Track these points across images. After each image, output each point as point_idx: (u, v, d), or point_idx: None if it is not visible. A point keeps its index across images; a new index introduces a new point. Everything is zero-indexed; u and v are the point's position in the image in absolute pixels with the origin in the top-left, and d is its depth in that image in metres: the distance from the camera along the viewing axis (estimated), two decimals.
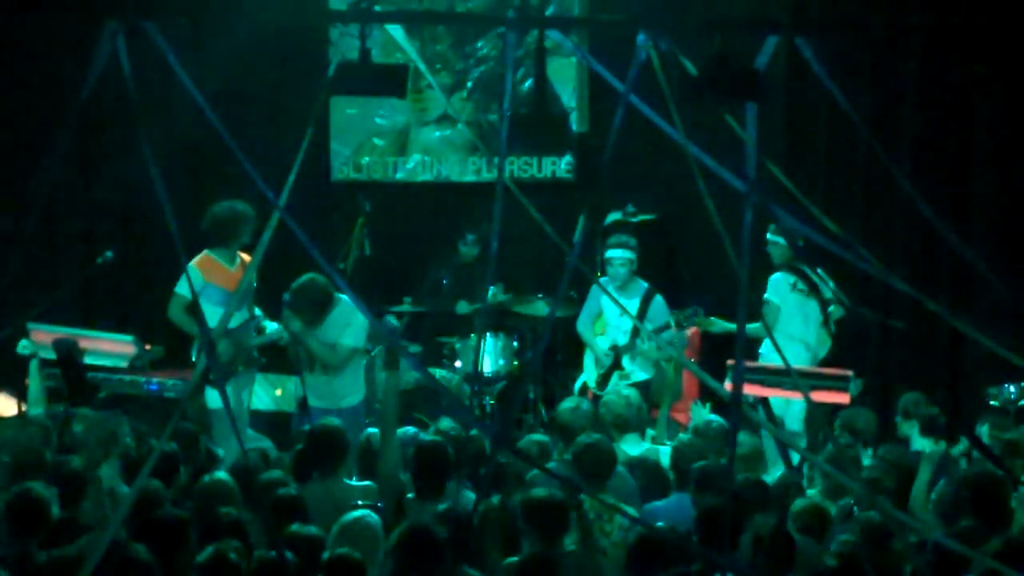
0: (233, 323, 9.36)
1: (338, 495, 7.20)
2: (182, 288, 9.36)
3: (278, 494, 6.90)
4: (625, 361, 10.26)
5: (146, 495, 6.62)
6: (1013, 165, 10.76)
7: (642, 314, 10.22)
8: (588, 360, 10.55)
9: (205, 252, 9.55)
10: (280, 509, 6.70)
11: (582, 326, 10.59)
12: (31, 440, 7.51)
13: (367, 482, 7.53)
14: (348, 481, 7.54)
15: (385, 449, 7.42)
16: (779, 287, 10.15)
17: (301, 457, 7.69)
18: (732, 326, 9.71)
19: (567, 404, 8.69)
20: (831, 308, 10.22)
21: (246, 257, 9.56)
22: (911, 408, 8.47)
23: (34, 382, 8.69)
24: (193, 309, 9.15)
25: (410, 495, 7.19)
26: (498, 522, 6.62)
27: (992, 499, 6.91)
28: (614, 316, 10.33)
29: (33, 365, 8.77)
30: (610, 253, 10.44)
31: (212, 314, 9.38)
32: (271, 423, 10.25)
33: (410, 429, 8.33)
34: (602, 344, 10.40)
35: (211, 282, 9.43)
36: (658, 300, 10.33)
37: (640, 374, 10.34)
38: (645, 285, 10.41)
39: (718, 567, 6.06)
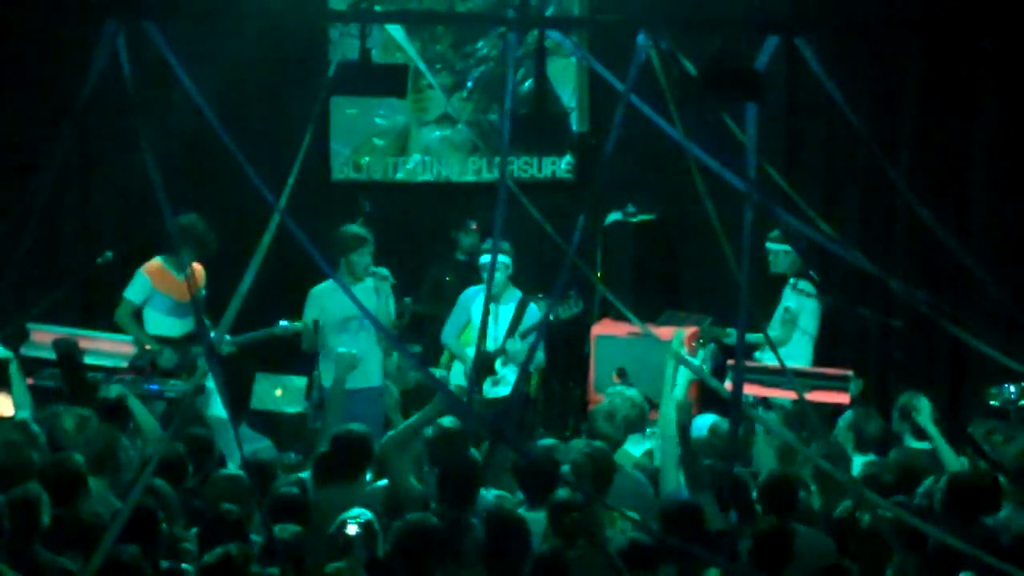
0: (176, 332, 9.56)
1: (357, 500, 7.16)
2: (130, 293, 9.59)
3: (278, 493, 6.91)
4: (497, 365, 10.17)
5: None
6: (1013, 165, 10.76)
7: (516, 321, 10.13)
8: (457, 371, 10.46)
9: (157, 259, 9.65)
10: (279, 509, 6.70)
11: (448, 337, 10.44)
12: (15, 443, 7.46)
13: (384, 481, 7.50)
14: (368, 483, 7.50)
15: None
16: (800, 295, 10.17)
17: (322, 461, 7.63)
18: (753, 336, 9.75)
19: (602, 408, 8.68)
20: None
21: (197, 267, 9.66)
22: (909, 408, 8.48)
23: (17, 385, 8.50)
24: (138, 315, 9.39)
25: (433, 504, 7.15)
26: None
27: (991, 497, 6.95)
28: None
29: (13, 368, 8.58)
30: (486, 259, 10.15)
31: (157, 321, 9.54)
32: (271, 423, 10.25)
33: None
34: (471, 354, 10.22)
35: (159, 290, 9.60)
36: (532, 308, 10.23)
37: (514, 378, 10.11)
38: (519, 293, 10.28)
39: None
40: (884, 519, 6.21)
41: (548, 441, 8.26)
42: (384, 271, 9.83)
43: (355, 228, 9.90)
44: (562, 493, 6.75)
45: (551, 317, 9.94)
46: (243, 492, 6.85)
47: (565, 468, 7.34)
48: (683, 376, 7.99)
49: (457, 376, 10.39)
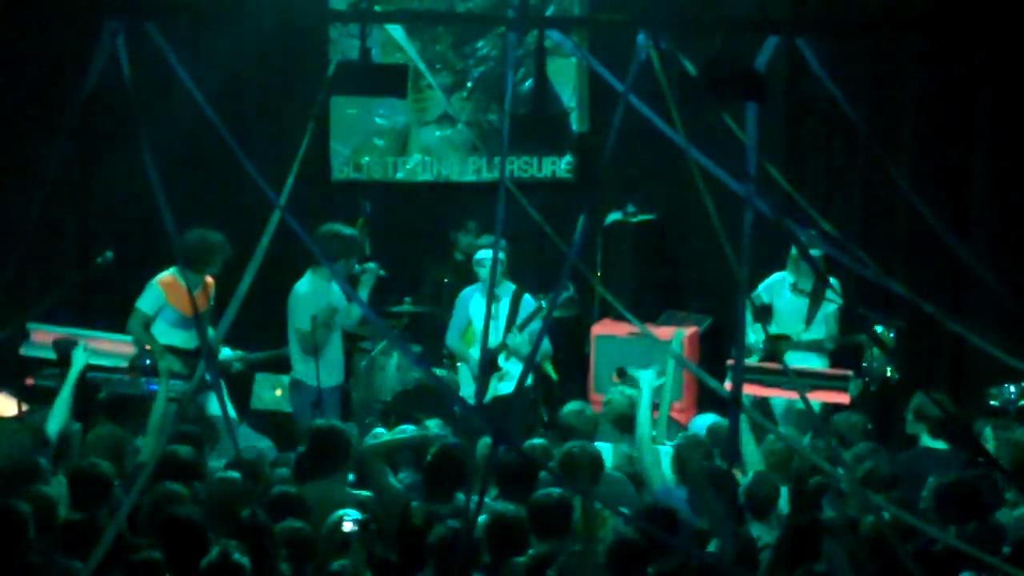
0: (181, 344, 9.56)
1: (337, 497, 7.16)
2: (143, 304, 9.57)
3: (275, 492, 6.91)
4: (500, 360, 10.15)
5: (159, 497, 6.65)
6: (1013, 165, 10.76)
7: (513, 313, 10.12)
8: (464, 374, 10.45)
9: (171, 271, 9.58)
10: (277, 507, 6.70)
11: (452, 340, 10.42)
12: (23, 446, 7.44)
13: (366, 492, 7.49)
14: (350, 490, 7.48)
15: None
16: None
17: (303, 458, 7.64)
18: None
19: (571, 407, 8.67)
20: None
21: (210, 280, 9.67)
22: (923, 409, 8.48)
23: (65, 393, 8.29)
24: (148, 327, 9.39)
25: (414, 503, 7.15)
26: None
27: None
28: (482, 325, 10.09)
29: (71, 377, 8.37)
30: (481, 255, 10.22)
31: (163, 331, 9.52)
32: (271, 423, 10.25)
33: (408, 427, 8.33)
34: (475, 355, 10.22)
35: (171, 304, 9.56)
36: (527, 299, 10.23)
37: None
38: (513, 286, 10.26)
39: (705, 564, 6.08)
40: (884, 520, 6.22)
41: (538, 441, 8.26)
42: (372, 265, 9.86)
43: (352, 231, 9.88)
44: (540, 493, 6.75)
45: (543, 304, 9.95)
46: (240, 493, 6.86)
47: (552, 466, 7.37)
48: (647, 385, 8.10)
49: (464, 377, 10.40)
